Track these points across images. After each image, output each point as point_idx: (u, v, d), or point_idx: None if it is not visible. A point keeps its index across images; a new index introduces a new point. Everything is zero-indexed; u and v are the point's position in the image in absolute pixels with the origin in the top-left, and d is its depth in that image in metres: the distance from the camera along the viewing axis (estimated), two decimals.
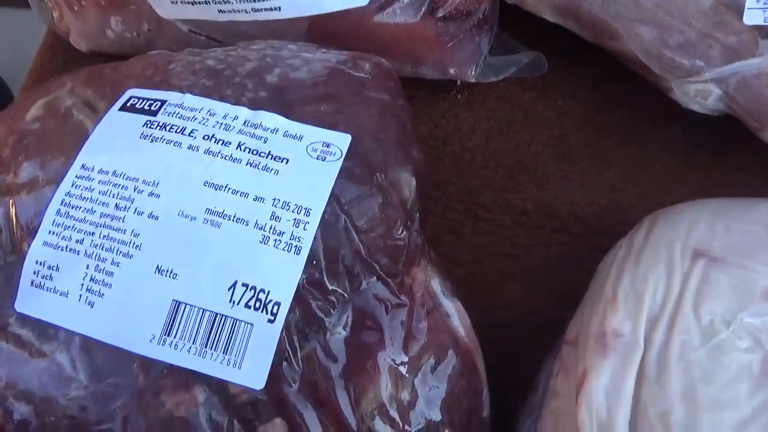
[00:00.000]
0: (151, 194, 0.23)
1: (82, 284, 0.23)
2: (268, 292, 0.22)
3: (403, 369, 0.23)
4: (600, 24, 0.30)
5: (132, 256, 0.23)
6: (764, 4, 0.26)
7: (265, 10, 0.30)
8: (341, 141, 0.25)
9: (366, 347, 0.23)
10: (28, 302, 0.23)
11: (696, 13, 0.27)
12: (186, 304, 0.22)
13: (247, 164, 0.24)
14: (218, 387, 0.22)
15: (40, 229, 0.23)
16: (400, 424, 0.23)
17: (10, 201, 0.24)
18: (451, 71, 0.34)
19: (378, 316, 0.23)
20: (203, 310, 0.22)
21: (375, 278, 0.23)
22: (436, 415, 0.23)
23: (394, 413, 0.23)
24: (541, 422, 0.22)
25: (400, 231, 0.24)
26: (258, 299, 0.22)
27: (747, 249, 0.22)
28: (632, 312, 0.21)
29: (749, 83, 0.27)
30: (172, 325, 0.22)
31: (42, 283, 0.23)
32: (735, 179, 0.32)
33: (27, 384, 0.22)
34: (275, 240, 0.23)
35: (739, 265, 0.22)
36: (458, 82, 0.36)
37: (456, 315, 0.25)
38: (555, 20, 0.32)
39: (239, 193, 0.23)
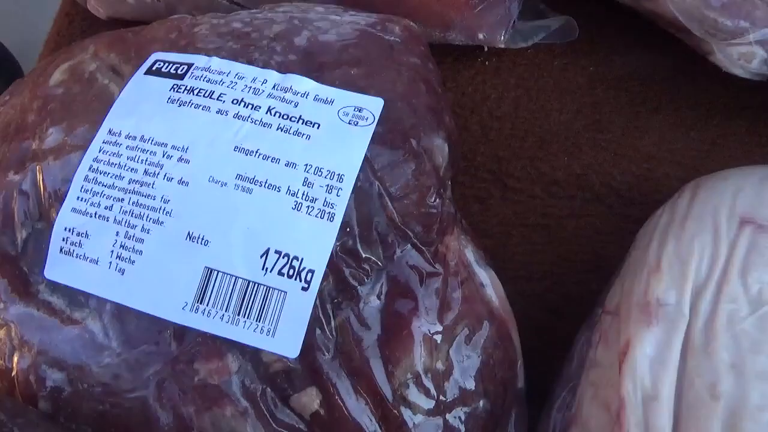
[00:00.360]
0: (180, 159, 0.23)
1: (112, 251, 0.22)
2: (302, 259, 0.22)
3: (437, 338, 0.23)
4: None
5: (162, 222, 0.22)
6: None
7: None
8: (374, 105, 0.24)
9: (400, 316, 0.22)
10: (58, 269, 0.23)
11: None
12: (218, 272, 0.22)
13: (277, 129, 0.23)
14: (252, 355, 0.21)
15: (68, 196, 0.23)
16: (435, 394, 0.22)
17: (37, 167, 0.24)
18: (480, 36, 0.33)
19: (412, 284, 0.23)
20: (236, 277, 0.22)
21: (409, 246, 0.23)
22: (471, 386, 0.23)
23: (428, 383, 0.22)
24: (580, 392, 0.22)
25: (433, 198, 0.24)
26: (291, 267, 0.22)
27: None
28: (677, 280, 0.21)
29: None
30: (204, 293, 0.21)
31: (71, 250, 0.23)
32: None
33: (59, 351, 0.22)
34: (308, 206, 0.22)
35: None
36: (485, 49, 0.35)
37: (490, 284, 0.25)
38: None
39: (270, 159, 0.23)
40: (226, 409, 0.21)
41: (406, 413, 0.22)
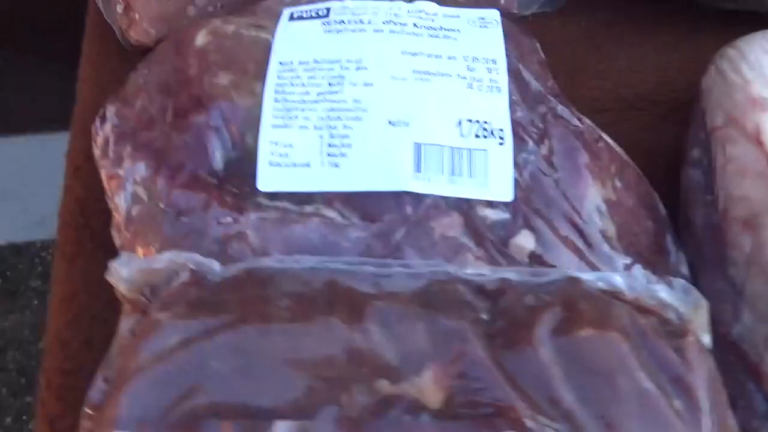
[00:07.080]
0: (358, 68, 0.26)
1: (322, 151, 0.24)
2: (490, 122, 0.25)
3: (604, 175, 0.27)
4: None
5: (361, 118, 0.25)
6: None
7: None
8: (492, 14, 0.29)
9: (573, 160, 0.26)
10: (272, 180, 0.24)
11: None
12: (426, 144, 0.25)
13: (428, 36, 0.27)
14: (472, 209, 0.24)
15: (263, 116, 0.25)
16: (610, 218, 0.26)
17: (218, 104, 0.26)
18: (502, 2, 0.40)
19: (573, 136, 0.27)
20: (442, 146, 0.25)
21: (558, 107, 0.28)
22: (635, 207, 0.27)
23: (605, 210, 0.26)
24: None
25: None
26: (484, 129, 0.25)
27: None
28: None
29: None
30: (420, 163, 0.24)
31: (280, 161, 0.24)
32: None
33: (306, 241, 0.23)
34: (478, 84, 0.26)
35: None
36: None
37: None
38: None
39: (434, 56, 0.27)
40: (466, 256, 0.24)
41: (597, 236, 0.26)
